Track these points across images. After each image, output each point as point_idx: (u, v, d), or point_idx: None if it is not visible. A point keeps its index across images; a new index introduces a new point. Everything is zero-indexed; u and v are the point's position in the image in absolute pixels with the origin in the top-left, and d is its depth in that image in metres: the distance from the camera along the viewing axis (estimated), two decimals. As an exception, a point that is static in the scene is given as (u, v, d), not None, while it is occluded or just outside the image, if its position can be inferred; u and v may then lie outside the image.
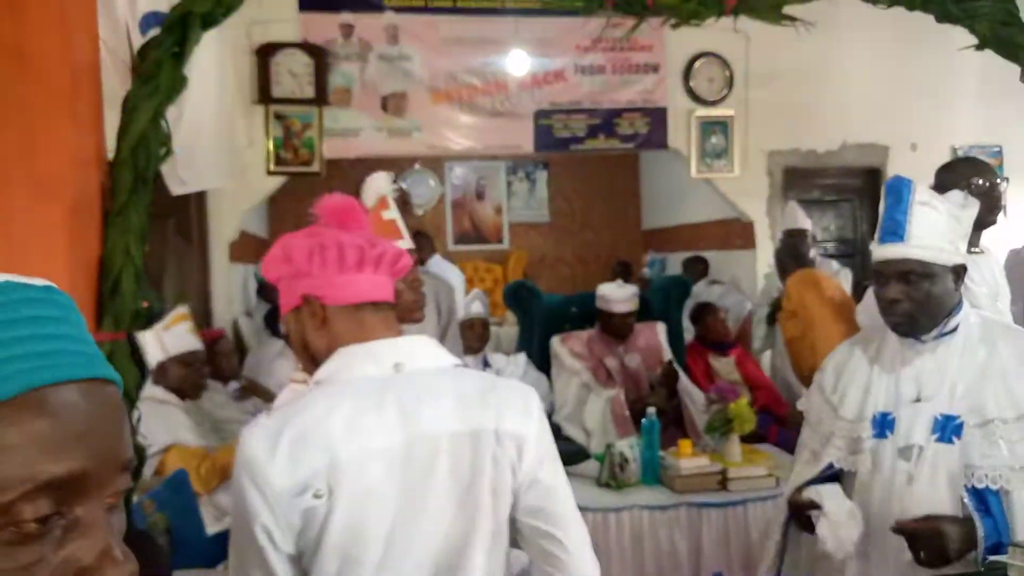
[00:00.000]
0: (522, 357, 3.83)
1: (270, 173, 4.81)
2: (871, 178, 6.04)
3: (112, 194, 2.66)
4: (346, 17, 4.87)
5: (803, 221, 4.80)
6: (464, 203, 8.16)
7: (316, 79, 4.75)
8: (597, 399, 3.49)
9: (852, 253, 6.14)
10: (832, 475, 1.82)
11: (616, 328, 3.62)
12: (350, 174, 7.32)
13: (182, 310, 2.94)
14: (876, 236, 1.75)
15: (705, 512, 2.71)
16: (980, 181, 2.68)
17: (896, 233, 1.67)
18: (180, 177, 2.75)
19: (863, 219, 6.19)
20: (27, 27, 2.35)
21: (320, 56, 4.79)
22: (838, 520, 1.67)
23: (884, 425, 1.74)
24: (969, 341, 1.71)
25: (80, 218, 2.55)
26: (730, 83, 5.48)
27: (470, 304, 3.97)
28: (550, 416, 3.63)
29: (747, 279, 5.89)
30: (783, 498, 1.91)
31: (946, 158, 5.87)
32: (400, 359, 1.20)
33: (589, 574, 1.28)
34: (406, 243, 1.80)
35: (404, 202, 2.55)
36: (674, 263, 6.92)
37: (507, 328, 5.92)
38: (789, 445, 2.16)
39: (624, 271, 6.63)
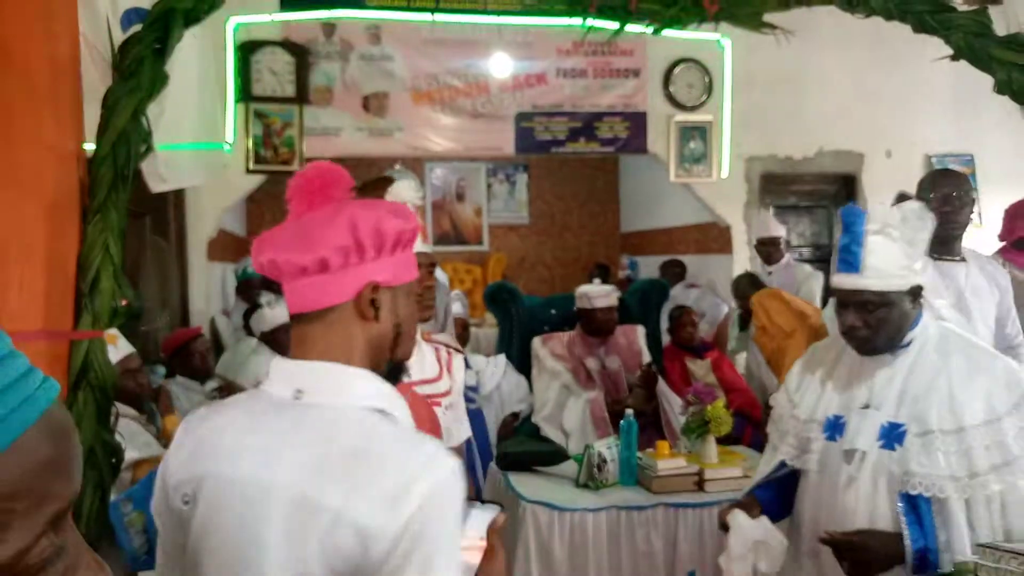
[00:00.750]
0: (502, 359, 3.84)
1: (249, 171, 4.79)
2: (846, 184, 6.14)
3: (91, 191, 2.63)
4: (328, 17, 4.86)
5: (775, 229, 4.87)
6: (444, 204, 8.16)
7: (297, 78, 4.74)
8: (577, 400, 3.51)
9: (826, 258, 6.22)
10: (787, 473, 1.91)
11: (598, 325, 3.64)
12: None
13: (111, 332, 2.87)
14: (833, 263, 1.80)
15: (682, 512, 2.74)
16: (955, 194, 2.74)
17: (852, 264, 1.72)
18: (160, 175, 2.73)
19: (838, 225, 6.28)
20: (6, 21, 2.33)
21: (301, 55, 4.77)
22: (734, 555, 1.79)
23: (835, 428, 1.80)
24: (923, 353, 1.76)
25: (58, 215, 2.52)
26: (709, 89, 5.54)
27: (450, 305, 3.98)
28: (529, 417, 3.65)
29: (724, 283, 5.95)
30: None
31: (919, 166, 6.02)
32: (302, 386, 1.06)
33: None
34: (425, 246, 1.82)
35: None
36: (652, 266, 6.97)
37: (486, 329, 5.93)
38: (763, 447, 2.20)
39: (602, 273, 6.66)
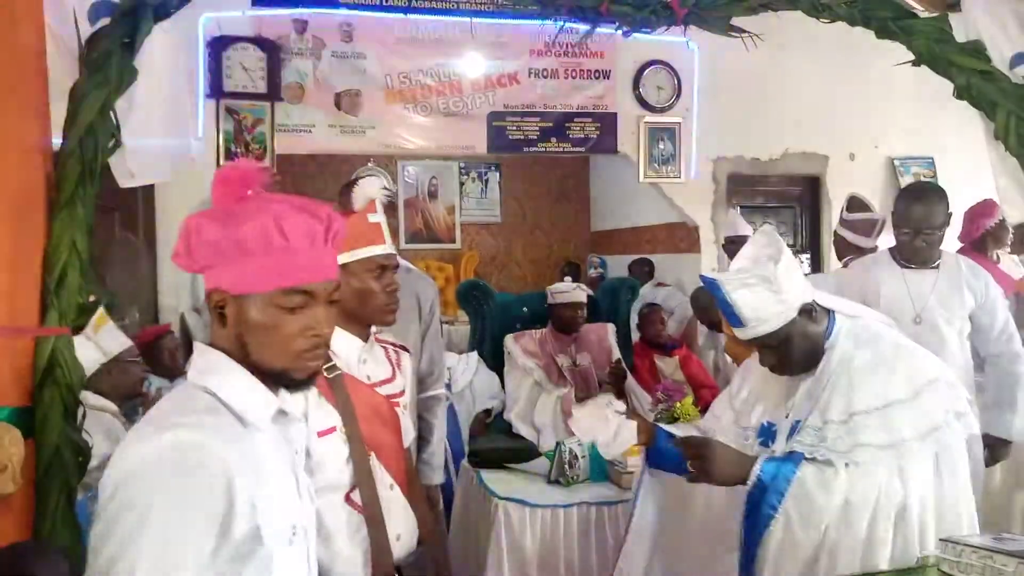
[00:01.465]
0: (474, 356, 3.86)
1: (220, 167, 4.75)
2: (812, 186, 6.25)
3: (58, 185, 2.60)
4: (300, 13, 4.84)
5: (743, 228, 4.95)
6: (416, 202, 8.14)
7: (269, 74, 4.71)
8: (548, 397, 3.55)
9: (792, 259, 6.32)
10: None
11: (566, 322, 3.68)
12: (302, 170, 7.28)
13: (100, 311, 2.85)
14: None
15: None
16: (928, 219, 2.80)
17: (736, 321, 1.82)
18: (129, 169, 2.70)
19: (804, 225, 6.40)
20: (-29, 13, 2.30)
21: (273, 51, 4.74)
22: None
23: (767, 435, 1.90)
24: (833, 355, 1.82)
25: (24, 209, 2.49)
26: (678, 91, 5.61)
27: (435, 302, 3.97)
28: (501, 414, 3.68)
29: (692, 282, 6.02)
30: None
31: (882, 168, 6.16)
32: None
33: None
34: (389, 247, 1.78)
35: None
36: (621, 265, 7.03)
37: (458, 327, 5.94)
38: (731, 443, 2.26)
39: (573, 272, 6.71)
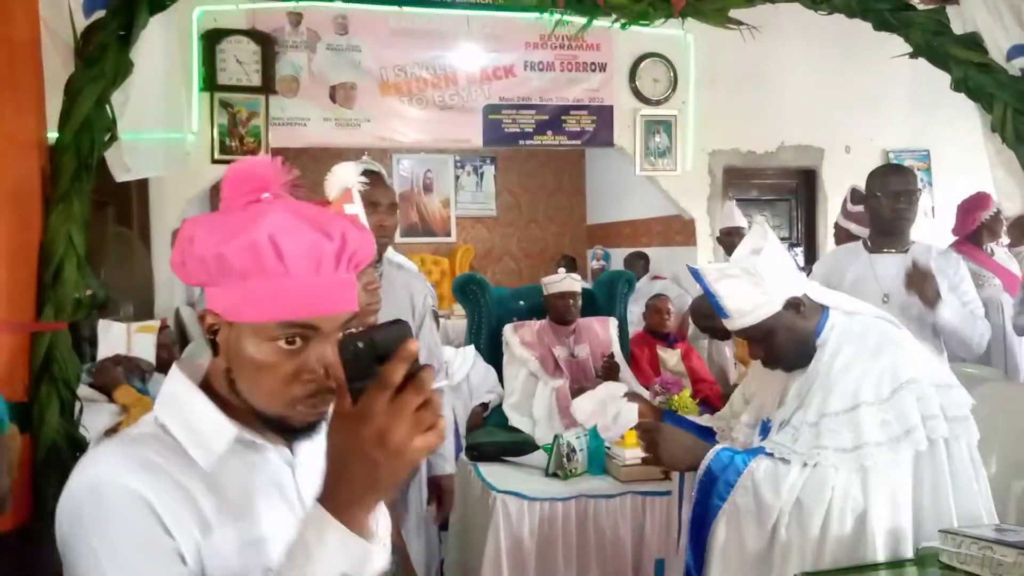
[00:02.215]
0: (471, 349, 3.86)
1: (215, 161, 4.73)
2: (807, 179, 6.26)
3: (53, 180, 2.59)
4: (294, 6, 4.81)
5: (739, 219, 4.96)
6: (411, 196, 8.13)
7: (263, 67, 4.69)
8: (544, 388, 3.55)
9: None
10: None
11: (561, 312, 3.68)
12: (296, 164, 7.26)
13: (155, 324, 2.89)
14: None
15: (649, 501, 2.78)
16: (907, 190, 2.82)
17: (721, 312, 1.82)
18: (125, 164, 2.69)
19: (799, 218, 6.41)
20: (-36, 4, 2.28)
21: (267, 44, 4.72)
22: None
23: (766, 431, 1.89)
24: (823, 352, 1.80)
25: (19, 203, 2.48)
26: (674, 84, 5.60)
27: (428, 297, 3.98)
28: (498, 407, 3.68)
29: (687, 275, 6.02)
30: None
31: (877, 161, 6.16)
32: None
33: None
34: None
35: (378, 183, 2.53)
36: (617, 258, 7.04)
37: (455, 320, 5.94)
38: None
39: (569, 265, 6.71)
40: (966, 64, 3.10)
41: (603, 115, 5.48)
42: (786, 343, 1.80)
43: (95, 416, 2.74)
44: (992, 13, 3.14)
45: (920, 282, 2.68)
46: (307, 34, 4.87)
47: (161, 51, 2.89)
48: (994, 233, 4.08)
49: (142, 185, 4.53)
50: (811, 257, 6.23)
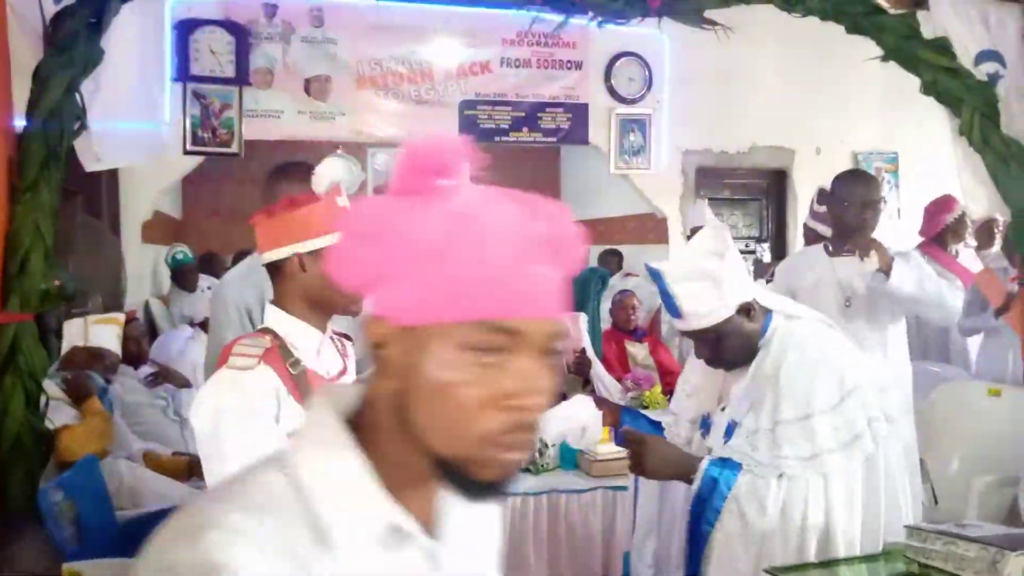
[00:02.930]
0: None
1: (187, 152, 4.67)
2: (778, 179, 6.34)
3: (21, 169, 2.55)
4: (269, -4, 4.77)
5: (709, 218, 5.00)
6: (387, 190, 8.07)
7: (237, 58, 4.64)
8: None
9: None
10: None
11: None
12: (270, 157, 7.17)
13: (119, 315, 2.84)
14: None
15: (619, 495, 2.81)
16: (872, 198, 2.84)
17: (675, 311, 1.82)
18: (95, 153, 2.66)
19: (770, 218, 6.49)
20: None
21: (242, 35, 4.67)
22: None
23: (706, 426, 1.94)
24: (767, 354, 1.83)
25: (-15, 192, 2.44)
26: (649, 83, 5.63)
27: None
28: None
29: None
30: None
31: (847, 162, 6.25)
32: None
33: None
34: None
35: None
36: (591, 255, 7.07)
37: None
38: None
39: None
40: (935, 68, 3.16)
41: (579, 113, 5.49)
42: (734, 345, 1.82)
43: (55, 412, 2.71)
44: (961, 19, 3.21)
45: (873, 247, 2.69)
46: (282, 26, 4.82)
47: (134, 40, 2.86)
48: (958, 236, 4.16)
49: (112, 175, 4.46)
50: (781, 258, 6.31)
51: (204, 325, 4.06)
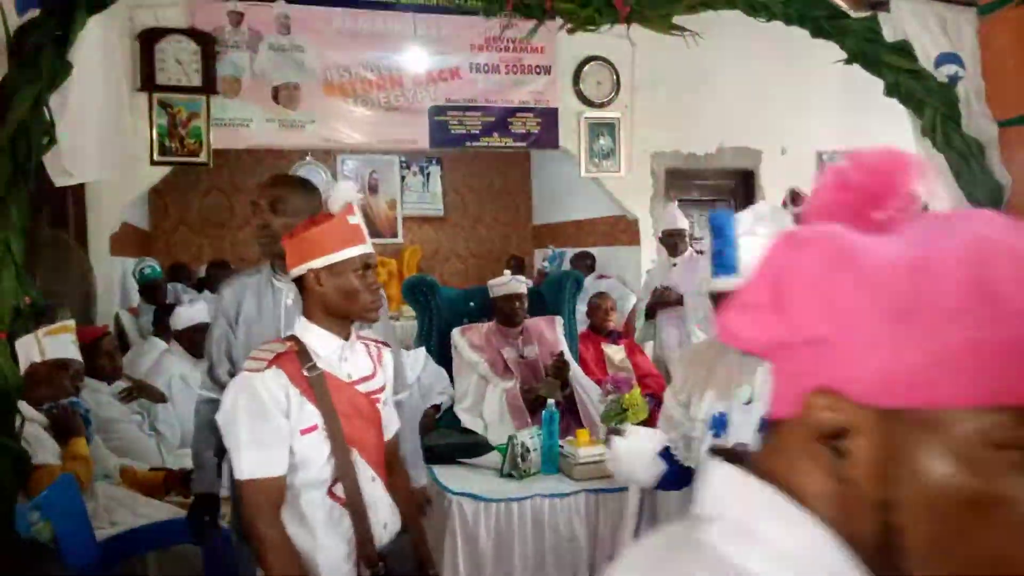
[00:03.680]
0: (421, 351, 3.85)
1: (154, 163, 4.61)
2: (745, 179, 6.43)
3: (-11, 185, 2.50)
4: (235, 5, 4.72)
5: (682, 221, 5.06)
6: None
7: (203, 67, 4.59)
8: (494, 390, 3.57)
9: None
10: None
11: (508, 314, 3.70)
12: (238, 165, 7.12)
13: (69, 322, 2.78)
14: (709, 271, 1.83)
15: (602, 498, 2.83)
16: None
17: (729, 267, 1.78)
18: (65, 168, 2.61)
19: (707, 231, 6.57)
20: None
21: (208, 43, 4.62)
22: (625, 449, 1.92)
23: (719, 425, 1.90)
24: None
25: (-47, 210, 2.39)
26: (617, 87, 5.69)
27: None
28: (450, 408, 3.68)
29: (632, 274, 6.14)
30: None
31: (812, 162, 6.37)
32: None
33: None
34: (369, 247, 1.83)
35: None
36: (563, 258, 7.10)
37: (404, 322, 5.92)
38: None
39: (517, 266, 6.75)
40: (898, 71, 3.23)
41: (548, 117, 5.53)
42: None
43: (37, 445, 2.66)
44: (921, 22, 3.29)
45: None
46: (249, 34, 4.79)
47: (101, 52, 2.82)
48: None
49: (78, 187, 4.39)
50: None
51: (178, 336, 4.00)
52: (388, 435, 1.92)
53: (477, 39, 5.23)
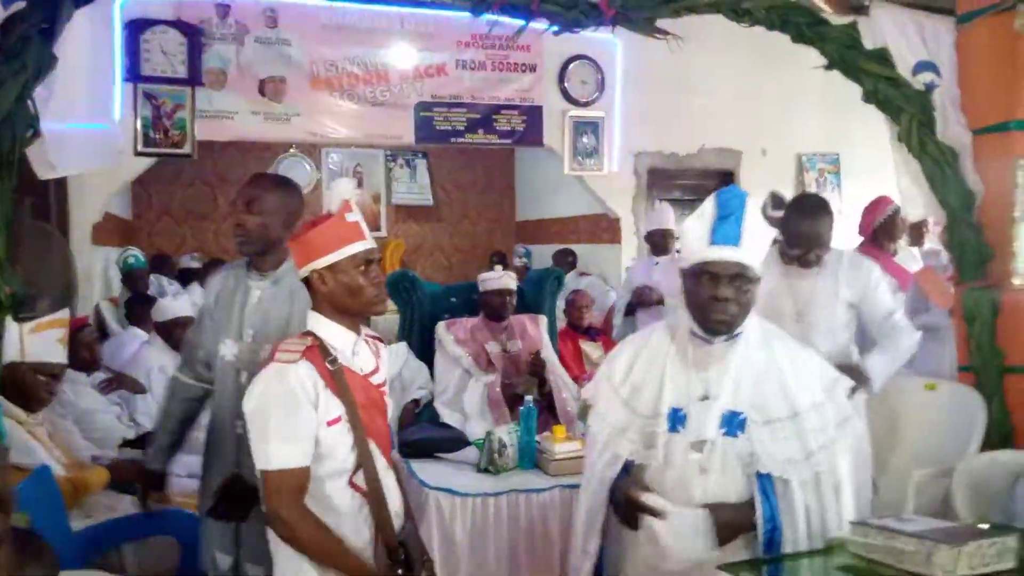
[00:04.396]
0: (403, 346, 3.88)
1: (138, 154, 4.60)
2: (726, 180, 6.49)
3: (-29, 177, 2.50)
4: (222, -3, 4.72)
5: (671, 222, 5.10)
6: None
7: (189, 59, 4.58)
8: (476, 384, 3.60)
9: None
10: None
11: (497, 308, 3.73)
12: (223, 157, 7.09)
13: (62, 316, 2.76)
14: (705, 239, 1.82)
15: (576, 493, 2.86)
16: (819, 234, 2.84)
17: (732, 238, 1.79)
18: (49, 161, 2.62)
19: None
20: None
21: (194, 35, 4.61)
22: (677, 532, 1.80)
23: (676, 420, 1.88)
24: (750, 344, 1.87)
25: (-65, 201, 2.39)
26: (602, 86, 5.73)
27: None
28: (430, 403, 3.72)
29: (613, 272, 6.20)
30: (591, 492, 2.06)
31: (792, 163, 6.45)
32: None
33: None
34: (370, 242, 1.85)
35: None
36: (545, 255, 7.15)
37: (386, 316, 5.92)
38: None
39: (500, 261, 6.78)
40: (876, 78, 3.29)
41: (533, 115, 5.56)
42: (751, 303, 1.83)
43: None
44: (899, 30, 3.35)
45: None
46: (235, 26, 4.78)
47: (86, 44, 2.82)
48: (890, 235, 4.28)
49: (61, 178, 4.37)
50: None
51: (159, 328, 4.00)
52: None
53: (463, 36, 5.25)
